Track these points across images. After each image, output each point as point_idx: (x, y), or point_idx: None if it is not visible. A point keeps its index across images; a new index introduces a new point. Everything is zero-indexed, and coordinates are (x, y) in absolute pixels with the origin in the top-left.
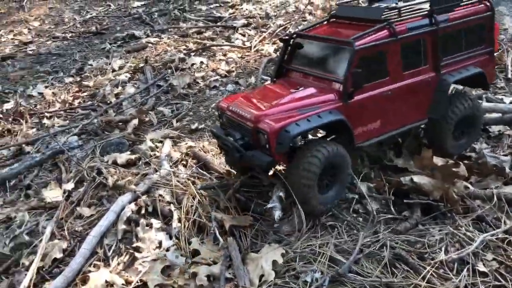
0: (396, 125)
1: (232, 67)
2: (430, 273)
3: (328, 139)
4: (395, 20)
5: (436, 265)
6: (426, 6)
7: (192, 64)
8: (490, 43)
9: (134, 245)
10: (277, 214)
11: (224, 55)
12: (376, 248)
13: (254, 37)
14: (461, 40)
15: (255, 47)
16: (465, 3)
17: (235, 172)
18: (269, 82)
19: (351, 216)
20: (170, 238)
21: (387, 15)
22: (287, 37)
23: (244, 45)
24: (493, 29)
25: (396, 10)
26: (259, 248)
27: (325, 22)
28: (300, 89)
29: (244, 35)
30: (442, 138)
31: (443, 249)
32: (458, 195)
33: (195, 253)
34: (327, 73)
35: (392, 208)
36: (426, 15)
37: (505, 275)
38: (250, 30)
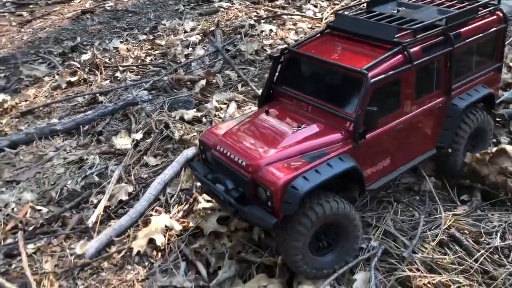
0: (406, 160)
1: (301, 37)
2: (483, 256)
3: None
4: (410, 42)
5: (491, 249)
6: (439, 20)
7: (262, 31)
8: (499, 59)
9: (194, 195)
10: None
11: (294, 24)
12: (432, 228)
13: (326, 9)
14: (472, 58)
15: (326, 18)
16: (478, 15)
17: None
18: (256, 109)
19: (409, 195)
20: None
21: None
22: (277, 55)
23: (315, 16)
24: (504, 43)
25: (411, 30)
26: None
27: (320, 36)
28: (303, 126)
29: (316, 6)
30: (453, 162)
31: (499, 235)
32: None
33: None
34: (333, 106)
35: (451, 191)
36: (441, 33)
37: None
38: (322, 1)
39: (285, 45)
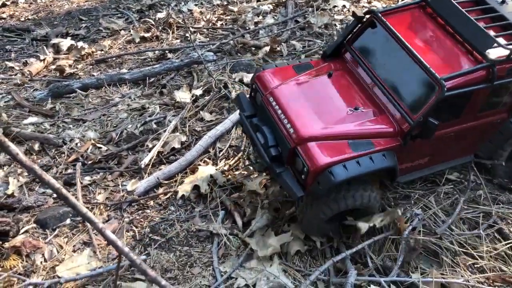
0: (442, 161)
1: None
2: None
3: None
4: (501, 61)
5: None
6: None
7: (334, 6)
8: None
9: (241, 153)
10: None
11: (369, 2)
12: (472, 213)
13: None
14: None
15: (403, 0)
16: None
17: None
18: (322, 61)
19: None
20: None
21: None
22: (361, 15)
23: None
24: None
25: (509, 50)
26: None
27: (413, 6)
28: (360, 109)
29: None
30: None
31: None
32: None
33: None
34: (396, 97)
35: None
36: None
37: None
38: None
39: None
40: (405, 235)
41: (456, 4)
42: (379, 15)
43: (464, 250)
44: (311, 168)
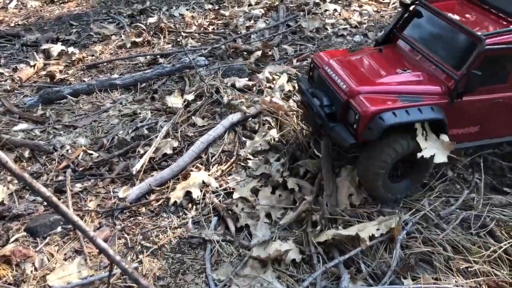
0: (496, 134)
1: (365, 19)
2: (510, 244)
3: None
4: None
5: None
6: None
7: (325, 10)
8: None
9: (234, 158)
10: None
11: (360, 6)
12: (465, 215)
13: None
14: None
15: (393, 3)
16: None
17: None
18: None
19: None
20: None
21: None
22: (408, 2)
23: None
24: None
25: None
26: None
27: None
28: (407, 71)
29: None
30: None
31: None
32: None
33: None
34: (441, 61)
35: (494, 181)
36: None
37: None
38: None
39: (347, 26)
40: (399, 240)
41: None
42: (424, 1)
43: (458, 256)
44: (362, 114)
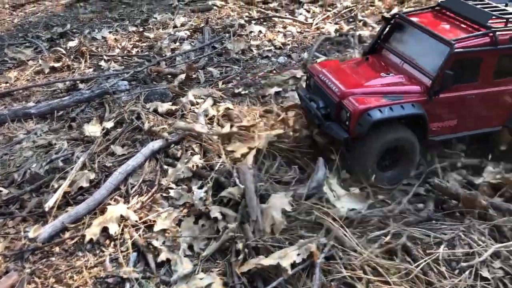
0: (472, 127)
1: (289, 40)
2: (426, 262)
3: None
4: (500, 29)
5: (438, 260)
6: None
7: (250, 32)
8: None
9: (155, 188)
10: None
11: (284, 27)
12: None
13: (318, 15)
14: None
15: (316, 24)
16: None
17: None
18: (359, 57)
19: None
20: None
21: (493, 22)
22: (389, 16)
23: (306, 21)
24: None
25: (504, 20)
26: None
27: (430, 10)
28: (390, 74)
29: (308, 11)
30: None
31: (442, 247)
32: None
33: None
34: (419, 64)
35: (405, 201)
36: None
37: (509, 286)
38: (316, 7)
39: (271, 47)
40: (318, 265)
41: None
42: (402, 14)
43: (378, 278)
44: (353, 112)
